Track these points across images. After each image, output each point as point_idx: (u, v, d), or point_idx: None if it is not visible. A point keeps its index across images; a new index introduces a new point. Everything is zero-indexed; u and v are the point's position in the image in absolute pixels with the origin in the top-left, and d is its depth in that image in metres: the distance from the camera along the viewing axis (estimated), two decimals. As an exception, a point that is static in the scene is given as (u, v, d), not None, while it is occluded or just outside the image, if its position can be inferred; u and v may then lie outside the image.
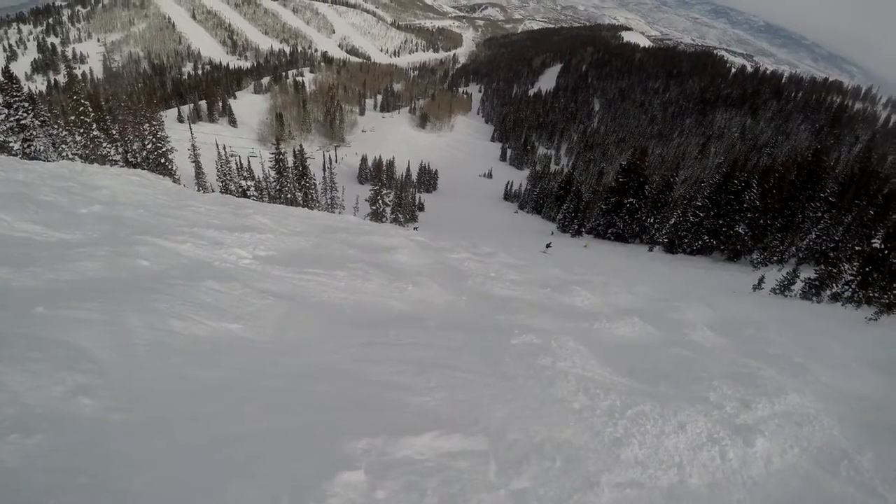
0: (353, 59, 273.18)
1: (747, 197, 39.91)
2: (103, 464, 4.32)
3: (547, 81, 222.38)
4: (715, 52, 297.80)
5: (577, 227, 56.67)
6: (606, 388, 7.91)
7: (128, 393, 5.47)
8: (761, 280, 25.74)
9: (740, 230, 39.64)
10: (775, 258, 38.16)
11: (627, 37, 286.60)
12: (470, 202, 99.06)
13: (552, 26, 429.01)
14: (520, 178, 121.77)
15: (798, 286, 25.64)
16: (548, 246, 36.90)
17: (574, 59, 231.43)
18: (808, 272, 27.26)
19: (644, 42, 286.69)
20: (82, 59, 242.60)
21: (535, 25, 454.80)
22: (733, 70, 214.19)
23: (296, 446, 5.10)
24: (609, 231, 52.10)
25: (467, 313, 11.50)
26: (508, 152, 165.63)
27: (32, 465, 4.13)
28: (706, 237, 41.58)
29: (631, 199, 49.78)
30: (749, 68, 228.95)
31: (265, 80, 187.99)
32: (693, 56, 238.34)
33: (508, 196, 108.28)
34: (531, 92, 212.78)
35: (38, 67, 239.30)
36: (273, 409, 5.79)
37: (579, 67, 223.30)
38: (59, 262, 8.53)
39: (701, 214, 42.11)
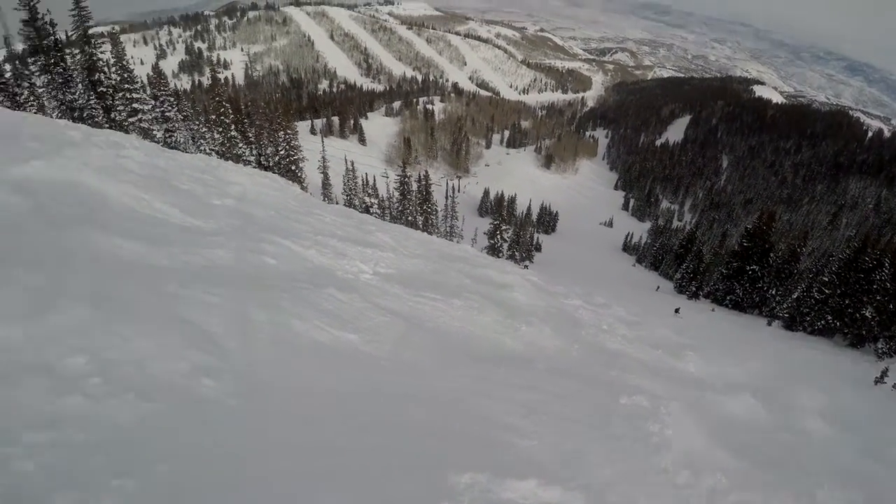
0: (483, 92, 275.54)
1: (878, 277, 37.02)
2: (214, 443, 4.31)
3: (675, 132, 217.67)
4: (850, 112, 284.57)
5: (694, 289, 54.52)
6: (711, 467, 7.49)
7: (247, 382, 5.47)
8: (884, 373, 23.77)
9: (867, 314, 36.63)
10: (902, 349, 35.21)
11: (759, 91, 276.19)
12: (587, 249, 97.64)
13: (682, 75, 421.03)
14: (640, 231, 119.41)
15: (927, 385, 23.50)
16: (677, 311, 35.61)
17: (704, 111, 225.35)
18: (939, 370, 25.14)
19: (776, 98, 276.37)
20: (226, 65, 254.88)
21: (665, 73, 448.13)
22: (870, 133, 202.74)
23: (402, 468, 4.95)
24: (727, 298, 49.50)
25: (578, 363, 11.12)
26: (631, 202, 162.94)
27: (144, 426, 4.17)
28: (829, 317, 38.78)
29: (754, 267, 47.11)
30: (886, 132, 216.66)
31: (396, 104, 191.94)
32: (827, 116, 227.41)
33: (627, 248, 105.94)
34: (658, 142, 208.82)
35: (184, 68, 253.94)
36: (384, 426, 5.68)
37: (709, 120, 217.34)
38: (193, 247, 8.71)
39: (826, 292, 39.30)
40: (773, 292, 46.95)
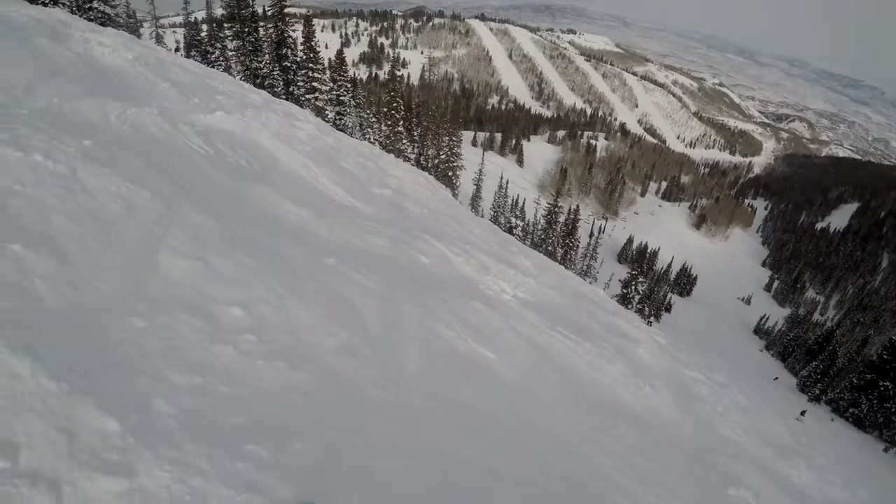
0: (649, 138, 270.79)
1: None
2: (349, 429, 4.27)
3: (839, 219, 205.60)
4: None
5: (818, 391, 51.14)
6: None
7: (388, 373, 5.43)
8: None
9: None
10: None
11: None
12: (718, 321, 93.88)
13: (859, 157, 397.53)
14: (777, 315, 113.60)
15: None
16: (802, 413, 33.84)
17: (874, 200, 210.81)
18: None
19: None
20: (404, 64, 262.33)
21: (841, 152, 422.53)
22: None
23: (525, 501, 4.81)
24: (850, 410, 45.83)
25: (691, 439, 10.57)
26: (775, 283, 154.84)
27: (287, 397, 4.16)
28: None
29: (888, 384, 43.42)
30: None
31: (560, 133, 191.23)
32: None
33: (759, 330, 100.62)
34: (819, 225, 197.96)
35: (364, 59, 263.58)
36: (505, 453, 5.50)
37: (877, 212, 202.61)
38: (352, 227, 8.84)
39: None
40: (902, 415, 43.37)
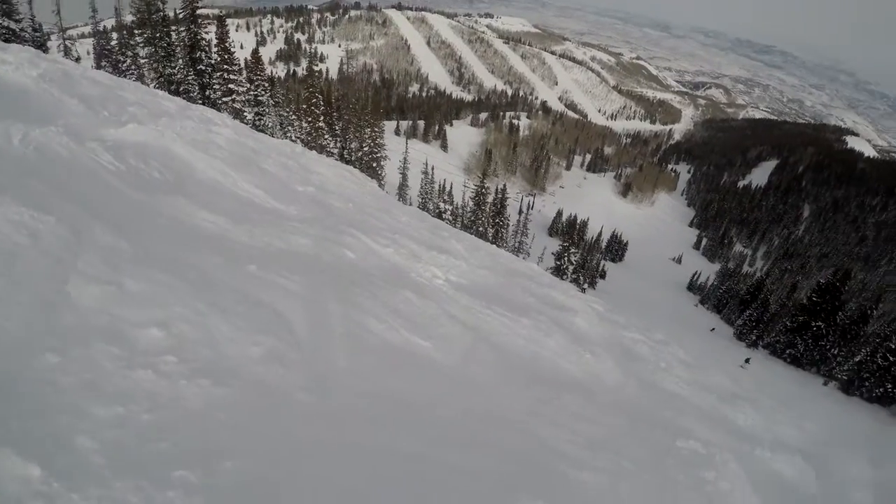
0: (570, 113, 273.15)
1: (947, 351, 35.56)
2: (280, 440, 4.21)
3: (759, 176, 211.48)
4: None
5: (754, 338, 52.94)
6: None
7: (318, 376, 5.38)
8: (942, 452, 22.67)
9: None
10: (963, 430, 33.41)
11: (852, 142, 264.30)
12: (652, 282, 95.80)
13: (775, 118, 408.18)
14: (709, 271, 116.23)
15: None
16: (747, 361, 34.90)
17: (792, 157, 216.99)
18: None
19: (869, 151, 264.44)
20: (322, 59, 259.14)
21: (758, 114, 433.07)
22: None
23: (473, 489, 4.85)
24: (787, 351, 47.54)
25: (635, 399, 10.71)
26: (704, 241, 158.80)
27: (213, 415, 4.08)
28: (889, 385, 37.10)
29: (819, 323, 44.98)
30: None
31: (482, 116, 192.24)
32: None
33: (692, 287, 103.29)
34: (741, 184, 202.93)
35: (281, 56, 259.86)
36: (451, 441, 5.54)
37: (795, 167, 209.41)
38: (274, 229, 8.72)
39: (891, 359, 37.65)
40: (836, 352, 45.07)
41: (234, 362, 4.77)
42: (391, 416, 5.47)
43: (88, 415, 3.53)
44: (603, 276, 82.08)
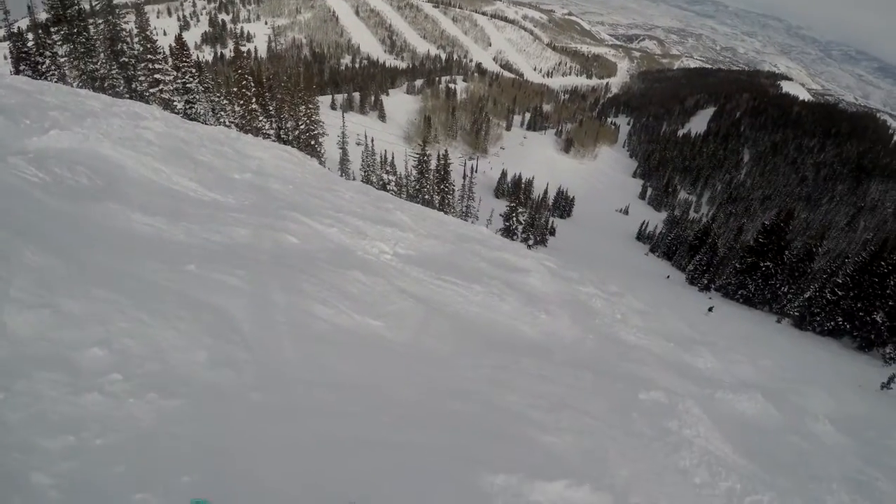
0: (506, 74, 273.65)
1: (892, 282, 36.47)
2: (237, 446, 4.14)
3: (698, 124, 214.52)
4: (878, 115, 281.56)
5: (706, 281, 54.01)
6: (727, 468, 7.42)
7: (269, 372, 5.31)
8: (892, 378, 23.50)
9: (878, 318, 36.04)
10: (910, 355, 34.64)
11: (787, 87, 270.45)
12: (602, 235, 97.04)
13: (709, 66, 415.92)
14: (656, 220, 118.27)
15: (932, 391, 23.11)
16: (710, 309, 35.57)
17: (728, 103, 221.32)
18: (947, 376, 24.72)
19: (803, 95, 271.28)
20: (249, 38, 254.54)
21: (692, 64, 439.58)
22: None
23: (433, 468, 4.82)
24: (739, 293, 48.73)
25: (595, 354, 10.91)
26: (649, 191, 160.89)
27: (166, 429, 3.99)
28: (840, 319, 38.15)
29: (768, 263, 46.30)
30: None
31: (418, 83, 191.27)
32: (854, 117, 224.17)
33: (641, 237, 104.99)
34: (680, 132, 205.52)
35: (207, 39, 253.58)
36: (410, 421, 5.53)
37: (733, 113, 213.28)
38: (212, 223, 8.59)
39: (839, 293, 38.63)
40: (786, 290, 46.47)
41: (183, 371, 4.67)
42: (347, 403, 5.44)
43: (39, 449, 3.43)
44: (552, 232, 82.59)
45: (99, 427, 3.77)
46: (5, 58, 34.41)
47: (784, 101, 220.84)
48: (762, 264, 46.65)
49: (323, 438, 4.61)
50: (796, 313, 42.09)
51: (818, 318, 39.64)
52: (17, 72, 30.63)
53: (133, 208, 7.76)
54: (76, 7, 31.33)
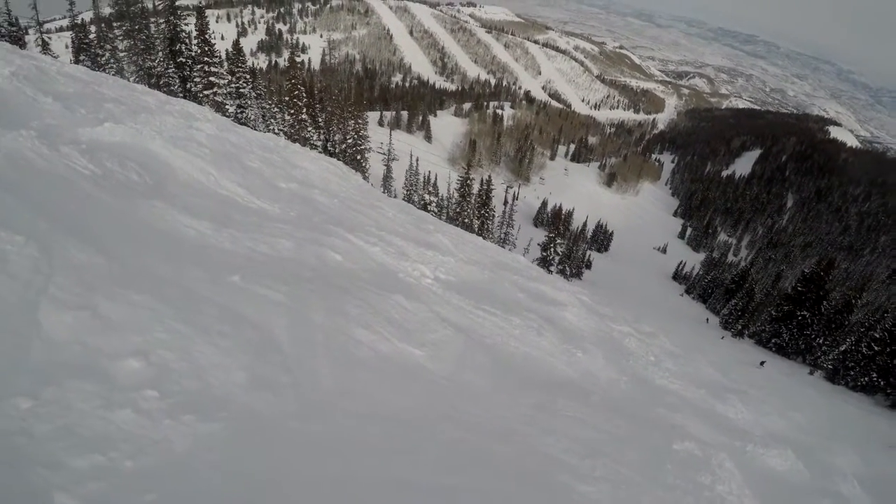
0: (554, 103, 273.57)
1: (931, 340, 35.81)
2: (274, 479, 3.93)
3: (743, 166, 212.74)
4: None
5: (740, 327, 53.20)
6: None
7: (309, 399, 5.10)
8: (925, 440, 22.83)
9: None
10: (946, 418, 33.65)
11: (835, 132, 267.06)
12: (638, 272, 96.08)
13: (758, 108, 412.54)
14: (694, 261, 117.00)
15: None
16: (762, 363, 35.25)
17: (775, 146, 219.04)
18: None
19: (851, 141, 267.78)
20: (304, 49, 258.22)
21: (741, 104, 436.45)
22: None
23: None
24: (772, 341, 47.91)
25: (629, 397, 10.76)
26: (688, 231, 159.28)
27: (201, 456, 3.78)
28: (874, 374, 37.19)
29: (805, 313, 45.38)
30: None
31: (466, 106, 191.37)
32: None
33: (678, 276, 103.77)
34: (724, 173, 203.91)
35: (263, 47, 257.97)
36: (452, 463, 5.27)
37: (778, 157, 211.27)
38: (257, 232, 8.46)
39: (875, 348, 37.88)
40: (821, 341, 45.53)
41: (221, 391, 4.47)
42: (385, 438, 5.21)
43: (66, 466, 3.23)
44: (589, 266, 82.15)
45: (130, 448, 3.56)
46: (67, 47, 35.26)
47: (831, 147, 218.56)
48: (799, 313, 45.79)
49: (364, 478, 4.39)
50: (830, 366, 41.08)
51: (852, 373, 38.66)
52: (77, 61, 31.29)
53: (180, 210, 7.67)
54: (139, 5, 31.97)
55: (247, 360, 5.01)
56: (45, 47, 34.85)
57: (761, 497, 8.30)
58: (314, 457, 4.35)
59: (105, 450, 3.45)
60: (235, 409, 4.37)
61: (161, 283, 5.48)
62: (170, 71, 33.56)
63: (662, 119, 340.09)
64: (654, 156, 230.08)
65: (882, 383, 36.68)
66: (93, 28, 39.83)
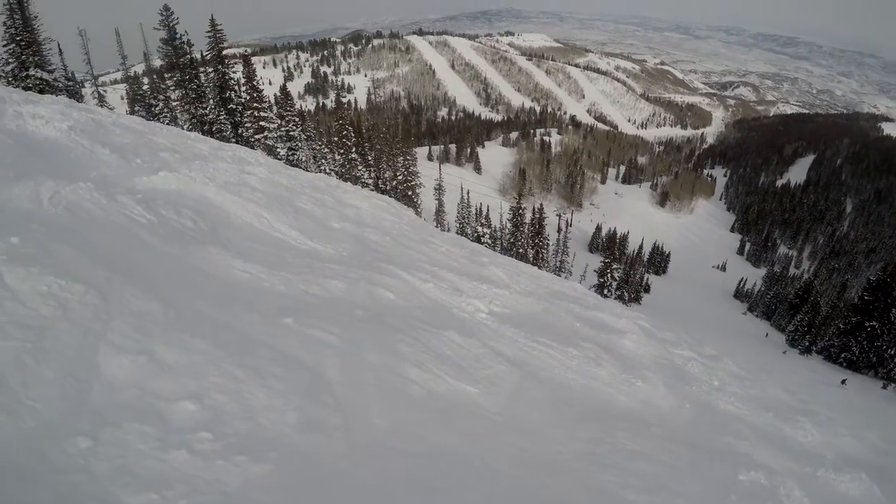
0: (600, 125, 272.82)
1: None
2: None
3: (797, 173, 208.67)
4: None
5: (808, 343, 51.47)
6: None
7: (360, 440, 5.10)
8: None
9: None
10: None
11: (888, 129, 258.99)
12: (697, 293, 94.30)
13: (806, 111, 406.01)
14: (755, 277, 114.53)
15: None
16: (843, 381, 34.56)
17: (828, 150, 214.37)
18: None
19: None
20: (349, 89, 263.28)
21: (789, 109, 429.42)
22: None
23: None
24: (842, 355, 46.14)
25: (690, 425, 10.35)
26: (747, 246, 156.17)
27: (253, 496, 3.82)
28: None
29: (873, 323, 43.35)
30: None
31: (513, 135, 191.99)
32: None
33: (739, 294, 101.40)
34: (779, 183, 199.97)
35: (310, 90, 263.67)
36: (502, 499, 5.20)
37: (833, 160, 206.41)
38: (310, 274, 8.53)
39: None
40: (893, 352, 43.87)
41: (272, 433, 4.52)
42: (439, 477, 5.17)
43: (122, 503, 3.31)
44: (647, 289, 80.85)
45: (184, 487, 3.64)
46: (122, 98, 36.69)
47: (886, 145, 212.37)
48: (867, 324, 44.00)
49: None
50: None
51: None
52: (132, 112, 32.40)
53: (234, 254, 7.82)
54: (188, 56, 33.04)
55: (298, 401, 5.06)
56: (101, 100, 36.22)
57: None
58: (362, 497, 4.37)
59: (160, 489, 3.54)
60: (286, 449, 4.42)
61: (215, 327, 5.60)
62: (221, 118, 34.49)
63: (711, 133, 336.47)
64: (705, 171, 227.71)
65: (961, 394, 35.43)
66: (145, 80, 41.31)
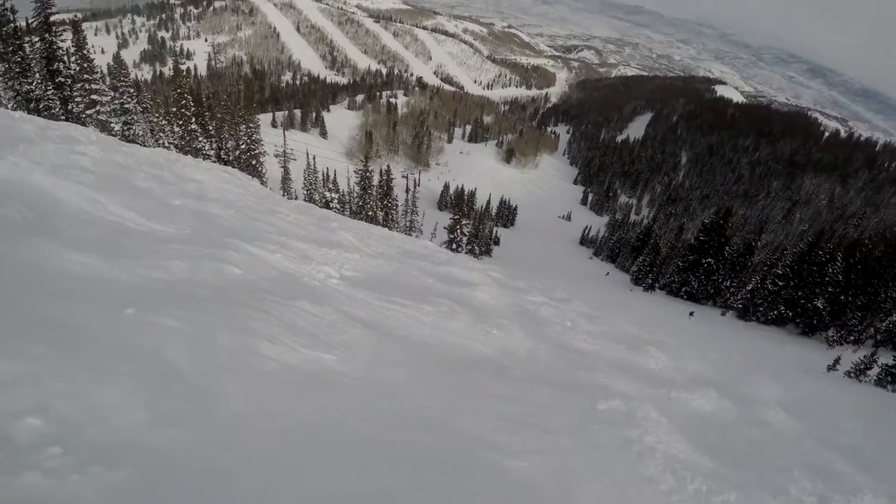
0: (447, 87, 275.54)
1: (830, 270, 38.02)
2: None
3: (636, 129, 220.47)
4: (809, 113, 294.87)
5: (651, 281, 55.54)
6: (692, 471, 7.48)
7: (218, 426, 4.97)
8: (837, 361, 24.38)
9: (818, 304, 37.83)
10: (852, 338, 36.38)
11: (721, 91, 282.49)
12: (546, 242, 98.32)
13: (646, 74, 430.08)
14: (598, 224, 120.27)
15: (874, 371, 24.03)
16: (691, 314, 36.85)
17: (665, 109, 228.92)
18: (886, 357, 25.45)
19: (737, 97, 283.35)
20: (188, 56, 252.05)
21: (630, 72, 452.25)
22: (826, 134, 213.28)
23: None
24: (682, 290, 50.54)
25: (548, 365, 10.86)
26: (590, 197, 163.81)
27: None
28: (782, 308, 40.02)
29: (709, 260, 48.22)
30: (843, 133, 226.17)
31: (359, 98, 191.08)
32: (786, 116, 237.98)
33: (585, 241, 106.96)
34: (619, 138, 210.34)
35: (146, 58, 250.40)
36: (373, 465, 5.23)
37: (669, 118, 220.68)
38: (150, 257, 8.20)
39: (780, 283, 40.40)
40: (728, 284, 48.59)
41: (126, 435, 4.31)
42: (302, 452, 5.13)
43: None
44: (497, 242, 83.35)
45: (41, 511, 3.39)
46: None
47: (719, 105, 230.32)
48: (704, 261, 48.51)
49: (285, 494, 4.35)
50: (740, 305, 44.20)
51: (761, 309, 41.71)
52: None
53: (66, 245, 7.37)
54: (11, 25, 30.43)
55: (149, 396, 4.85)
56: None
57: (692, 439, 8.65)
58: (227, 483, 4.28)
59: (16, 519, 3.27)
60: (142, 450, 4.24)
61: (52, 328, 5.26)
62: (49, 93, 32.17)
63: (555, 93, 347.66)
64: (549, 129, 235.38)
65: (790, 314, 39.84)
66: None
